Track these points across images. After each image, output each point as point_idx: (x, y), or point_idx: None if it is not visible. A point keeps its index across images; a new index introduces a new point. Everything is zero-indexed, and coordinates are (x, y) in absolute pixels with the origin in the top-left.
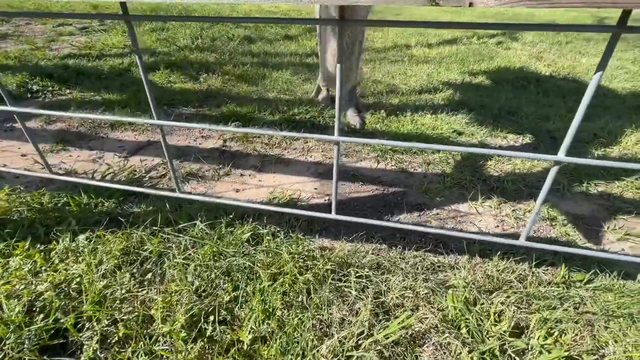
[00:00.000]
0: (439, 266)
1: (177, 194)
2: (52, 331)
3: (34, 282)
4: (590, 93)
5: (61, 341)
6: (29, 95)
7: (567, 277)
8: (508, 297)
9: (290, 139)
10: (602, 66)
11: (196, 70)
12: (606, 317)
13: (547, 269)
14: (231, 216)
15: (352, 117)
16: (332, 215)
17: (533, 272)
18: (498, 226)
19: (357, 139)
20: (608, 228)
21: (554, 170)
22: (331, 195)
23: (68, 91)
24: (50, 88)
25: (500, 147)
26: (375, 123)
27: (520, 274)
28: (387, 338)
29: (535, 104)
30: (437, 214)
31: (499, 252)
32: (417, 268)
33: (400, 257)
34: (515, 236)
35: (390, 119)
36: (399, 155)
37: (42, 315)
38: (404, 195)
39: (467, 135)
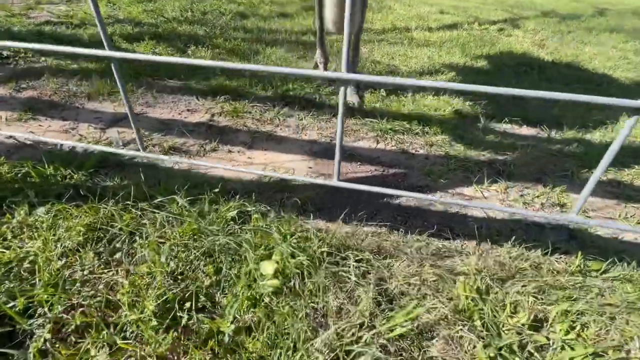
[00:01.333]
0: (444, 252)
1: (141, 153)
2: None
3: None
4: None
5: (7, 329)
6: None
7: (582, 266)
8: (524, 286)
9: (283, 115)
10: None
11: (184, 43)
12: (628, 310)
13: (561, 257)
14: (216, 191)
15: (350, 95)
16: (334, 182)
17: (548, 260)
18: None
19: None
20: (619, 216)
21: None
22: (326, 174)
23: (43, 59)
24: (22, 54)
25: (506, 132)
26: (375, 102)
27: (534, 261)
28: (392, 331)
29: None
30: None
31: (509, 238)
32: (422, 253)
33: (402, 241)
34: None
35: (390, 99)
36: (399, 136)
37: None
38: (405, 177)
39: (470, 118)
